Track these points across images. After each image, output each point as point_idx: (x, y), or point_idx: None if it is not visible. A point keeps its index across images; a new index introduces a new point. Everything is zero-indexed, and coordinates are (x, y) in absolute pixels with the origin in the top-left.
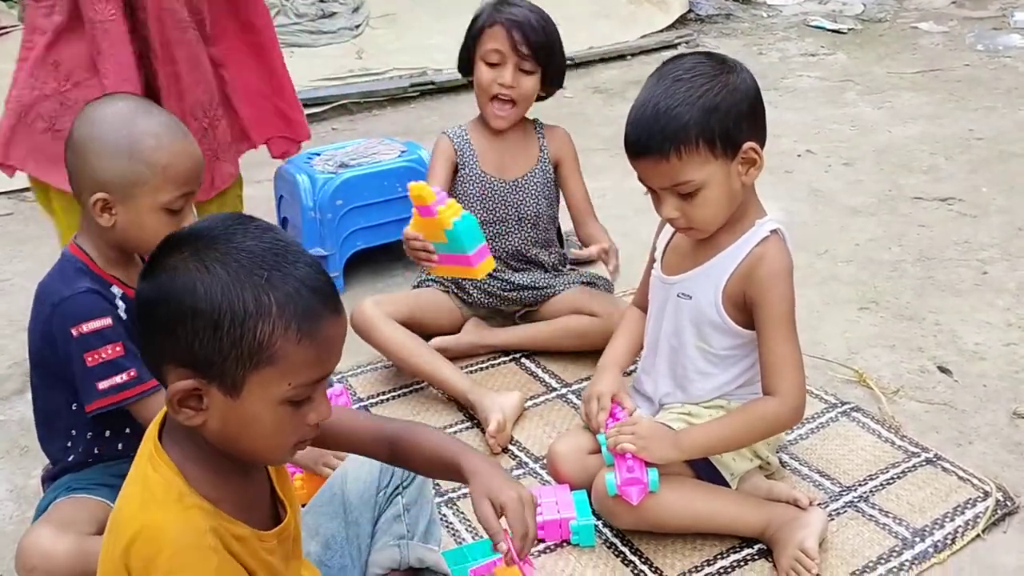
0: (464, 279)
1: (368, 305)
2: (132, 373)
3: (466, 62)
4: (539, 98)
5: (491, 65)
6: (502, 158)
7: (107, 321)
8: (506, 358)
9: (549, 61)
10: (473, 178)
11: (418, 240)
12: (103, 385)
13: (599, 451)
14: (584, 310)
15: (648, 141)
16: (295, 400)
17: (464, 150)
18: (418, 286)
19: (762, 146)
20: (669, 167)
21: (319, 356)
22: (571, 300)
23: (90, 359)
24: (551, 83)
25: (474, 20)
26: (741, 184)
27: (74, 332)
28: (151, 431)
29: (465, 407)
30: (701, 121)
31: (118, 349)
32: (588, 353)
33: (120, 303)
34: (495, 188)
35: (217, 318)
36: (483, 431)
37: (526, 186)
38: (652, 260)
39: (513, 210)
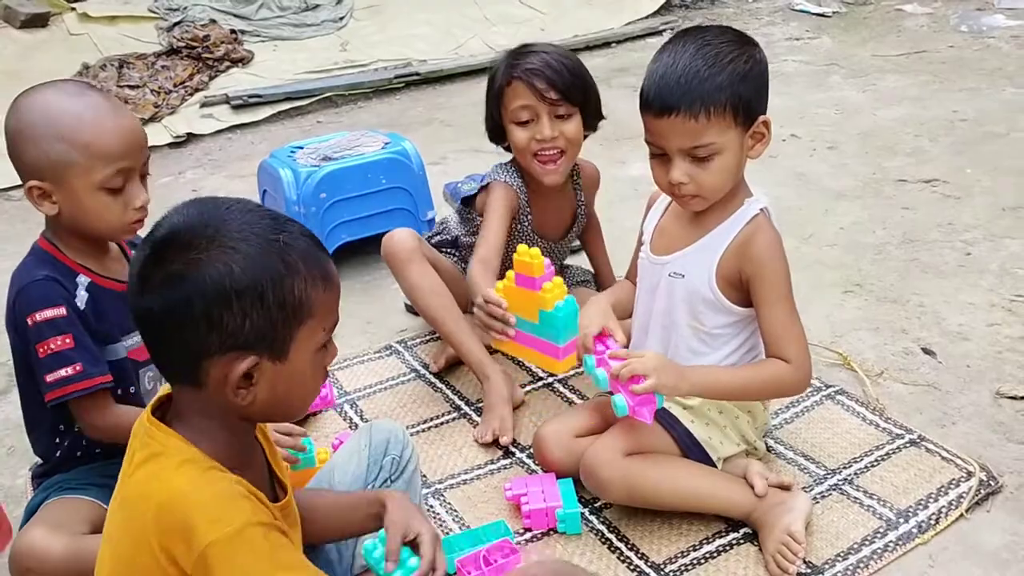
0: (531, 363)
1: (410, 235)
2: (78, 367)
3: (497, 128)
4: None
5: (523, 124)
6: (550, 216)
7: (61, 311)
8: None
9: (585, 98)
10: (525, 235)
11: (500, 308)
12: (50, 378)
13: (585, 435)
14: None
15: (679, 100)
16: (324, 345)
17: (524, 206)
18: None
19: None
20: (696, 127)
21: (337, 298)
22: None
23: (41, 350)
24: (593, 118)
25: (491, 81)
26: (745, 158)
27: (29, 321)
28: (144, 416)
29: (455, 397)
30: (732, 86)
31: (67, 340)
32: None
33: (83, 292)
34: (543, 248)
35: (261, 289)
36: (471, 423)
37: (565, 243)
38: (641, 243)
39: (556, 261)
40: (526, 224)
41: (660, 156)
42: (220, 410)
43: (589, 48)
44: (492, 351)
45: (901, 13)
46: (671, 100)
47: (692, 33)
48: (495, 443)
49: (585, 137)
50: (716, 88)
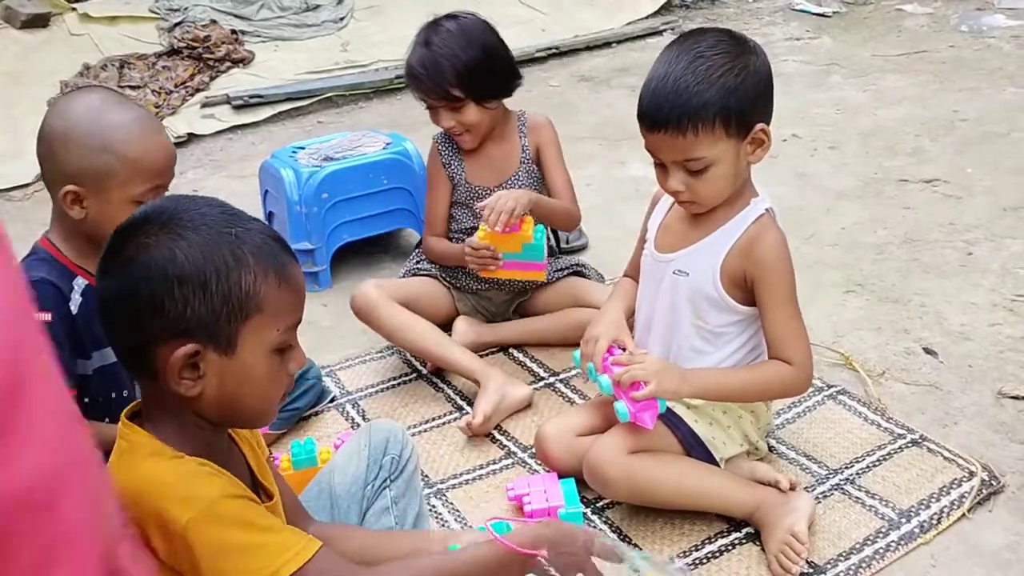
0: (517, 280)
1: (370, 287)
2: None
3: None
4: (499, 103)
5: (429, 110)
6: (490, 163)
7: (46, 316)
8: (494, 348)
9: (474, 87)
10: (462, 188)
11: (488, 249)
12: None
13: (586, 434)
14: (583, 301)
15: (666, 115)
16: (281, 348)
17: (452, 161)
18: (409, 275)
19: (769, 125)
20: (684, 142)
21: (296, 299)
22: (566, 291)
23: None
24: (494, 96)
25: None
26: (747, 163)
27: None
28: (121, 418)
29: (457, 396)
30: (721, 101)
31: None
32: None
33: (77, 296)
34: (482, 197)
35: (204, 279)
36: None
37: (511, 188)
38: (643, 240)
39: None
40: (460, 176)
41: (660, 164)
42: (178, 406)
43: (589, 48)
44: (426, 268)
45: (901, 13)
46: (659, 117)
47: (688, 42)
48: (492, 439)
49: (502, 101)
50: (703, 105)
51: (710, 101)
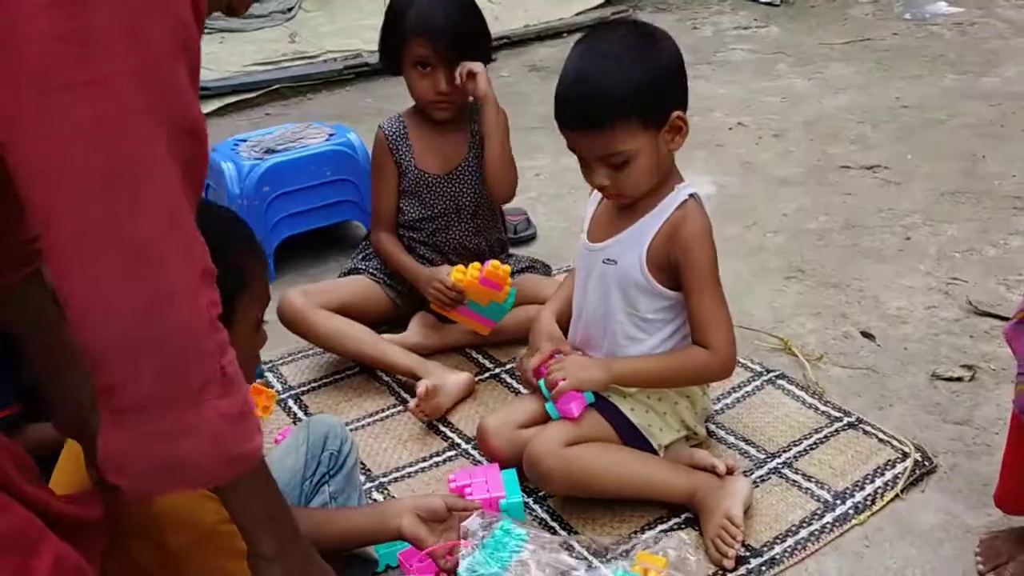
0: (465, 325)
1: (295, 296)
2: None
3: (393, 61)
4: None
5: (422, 72)
6: (439, 150)
7: None
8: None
9: (476, 51)
10: (409, 175)
11: (459, 294)
12: None
13: (528, 425)
14: (531, 298)
15: (580, 115)
16: (258, 326)
17: (399, 146)
18: (346, 274)
19: (685, 111)
20: (602, 139)
21: (267, 279)
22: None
23: None
24: (486, 59)
25: (398, 16)
26: (668, 151)
27: None
28: None
29: (401, 389)
30: (632, 97)
31: None
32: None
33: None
34: (431, 184)
35: None
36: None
37: (461, 177)
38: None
39: (451, 203)
40: (409, 162)
41: (583, 160)
42: None
43: (540, 38)
44: (364, 267)
45: (847, 1)
46: (575, 116)
47: (596, 40)
48: (436, 431)
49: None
50: (616, 101)
51: (622, 97)
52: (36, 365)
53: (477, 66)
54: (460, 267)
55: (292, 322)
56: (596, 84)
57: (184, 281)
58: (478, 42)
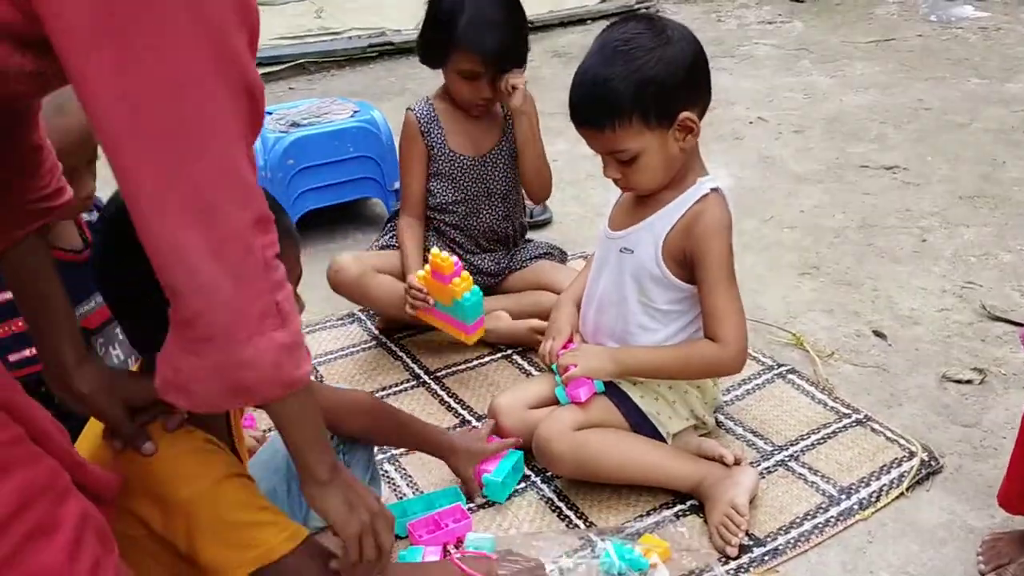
0: (447, 333)
1: (349, 260)
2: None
3: (434, 59)
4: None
5: (466, 78)
6: (470, 133)
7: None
8: None
9: (519, 60)
10: (442, 158)
11: (421, 292)
12: (13, 358)
13: (540, 405)
14: (546, 284)
15: (586, 112)
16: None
17: (431, 129)
18: (379, 248)
19: (705, 108)
20: (606, 137)
21: (298, 251)
22: (532, 275)
23: (1, 330)
24: (517, 66)
25: (448, 22)
26: (679, 149)
27: None
28: None
29: (415, 366)
30: (635, 96)
31: (22, 324)
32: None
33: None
34: (464, 166)
35: None
36: (430, 392)
37: (494, 161)
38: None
39: (483, 187)
40: (441, 144)
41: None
42: None
43: (563, 24)
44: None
45: (873, 1)
46: (580, 115)
47: (610, 36)
48: (443, 404)
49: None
50: (619, 101)
51: (624, 97)
52: (27, 321)
53: (520, 80)
54: (426, 267)
55: (347, 284)
56: (600, 85)
57: (240, 226)
58: (522, 54)
